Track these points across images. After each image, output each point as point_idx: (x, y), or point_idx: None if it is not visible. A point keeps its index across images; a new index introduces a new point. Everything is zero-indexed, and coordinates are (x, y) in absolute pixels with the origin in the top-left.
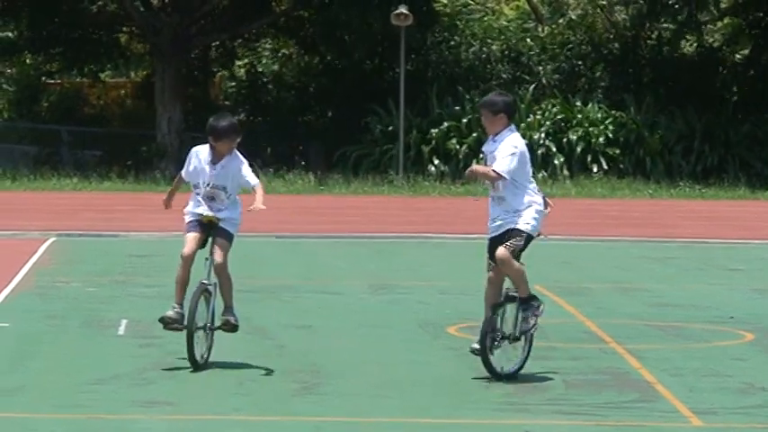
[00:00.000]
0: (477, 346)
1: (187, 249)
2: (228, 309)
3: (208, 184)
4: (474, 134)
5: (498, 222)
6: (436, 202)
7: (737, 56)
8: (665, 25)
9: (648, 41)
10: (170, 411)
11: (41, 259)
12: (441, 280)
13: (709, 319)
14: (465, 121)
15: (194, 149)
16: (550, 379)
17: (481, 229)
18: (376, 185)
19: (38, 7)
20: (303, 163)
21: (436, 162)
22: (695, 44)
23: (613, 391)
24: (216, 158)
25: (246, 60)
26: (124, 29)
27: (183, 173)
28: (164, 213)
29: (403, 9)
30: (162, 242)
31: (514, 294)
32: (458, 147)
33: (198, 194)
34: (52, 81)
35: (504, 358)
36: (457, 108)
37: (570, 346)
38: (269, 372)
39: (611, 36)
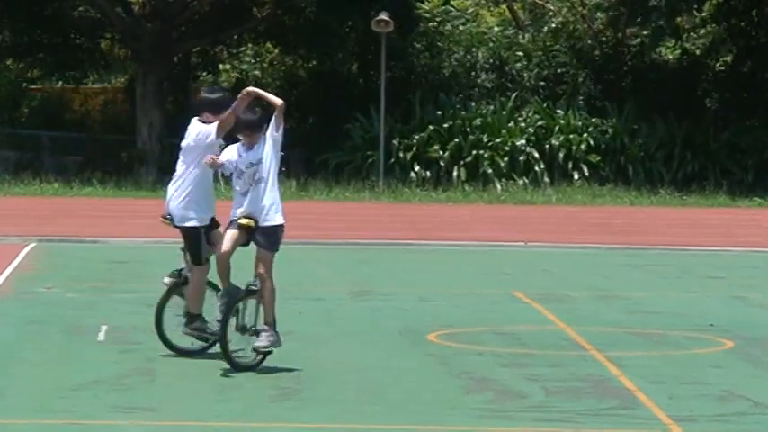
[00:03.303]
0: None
1: (223, 248)
2: (268, 326)
3: (248, 166)
4: (455, 140)
5: None
6: (417, 208)
7: (719, 64)
8: (645, 32)
9: (630, 49)
10: (150, 417)
11: (22, 265)
12: (421, 286)
13: (688, 326)
14: (446, 126)
15: (225, 151)
16: (530, 386)
17: (462, 235)
18: (357, 192)
19: (19, 13)
20: (284, 169)
21: (417, 168)
22: (677, 51)
23: (593, 398)
24: (247, 145)
25: (229, 66)
26: (106, 35)
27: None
28: (145, 219)
29: (384, 15)
30: (143, 248)
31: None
32: (440, 153)
33: (238, 186)
34: (34, 87)
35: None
36: (439, 113)
37: (550, 353)
38: (249, 378)
39: (592, 42)
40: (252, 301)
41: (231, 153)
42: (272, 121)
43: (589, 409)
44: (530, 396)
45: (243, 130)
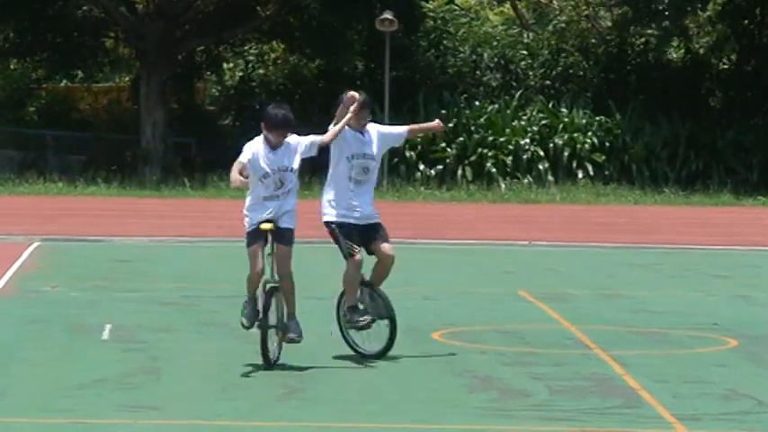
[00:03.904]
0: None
1: (256, 268)
2: (290, 316)
3: (274, 171)
4: (460, 138)
5: (369, 210)
6: (422, 207)
7: (723, 63)
8: (650, 31)
9: (635, 48)
10: (154, 416)
11: (25, 264)
12: (425, 285)
13: (692, 325)
14: (451, 125)
15: (246, 146)
16: (534, 385)
17: (467, 234)
18: None
19: (23, 12)
20: None
21: (422, 167)
22: (682, 50)
23: (597, 397)
24: (274, 146)
25: (232, 64)
26: (110, 34)
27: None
28: (149, 219)
29: (388, 15)
30: (146, 247)
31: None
32: (444, 152)
33: (261, 190)
34: (39, 86)
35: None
36: (443, 112)
37: (554, 351)
38: (253, 377)
39: (597, 41)
40: (275, 299)
41: (255, 151)
42: (317, 140)
43: (593, 408)
44: (533, 395)
45: (280, 127)
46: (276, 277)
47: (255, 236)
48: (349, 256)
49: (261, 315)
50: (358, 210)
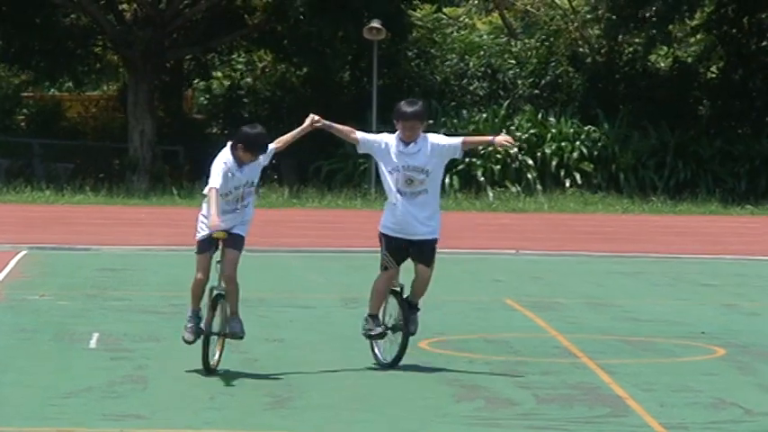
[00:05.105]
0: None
1: (201, 274)
2: (232, 314)
3: (237, 188)
4: None
5: (418, 225)
6: None
7: (711, 72)
8: (638, 40)
9: (623, 56)
10: (141, 425)
11: (13, 272)
12: None
13: (680, 334)
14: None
15: (221, 160)
16: (521, 393)
17: (454, 243)
18: (349, 199)
19: (10, 20)
20: (276, 177)
21: None
22: (669, 59)
23: (584, 405)
24: (242, 163)
25: (221, 73)
26: (98, 42)
27: (218, 187)
28: (137, 227)
29: (376, 23)
30: (134, 256)
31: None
32: None
33: (222, 205)
34: (27, 94)
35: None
36: (431, 121)
37: (541, 360)
38: (241, 385)
39: (584, 50)
40: (220, 306)
41: (226, 170)
42: (273, 147)
43: (580, 417)
44: (521, 403)
45: (259, 150)
46: (222, 284)
47: (207, 243)
48: (383, 269)
49: (204, 324)
50: (403, 223)
